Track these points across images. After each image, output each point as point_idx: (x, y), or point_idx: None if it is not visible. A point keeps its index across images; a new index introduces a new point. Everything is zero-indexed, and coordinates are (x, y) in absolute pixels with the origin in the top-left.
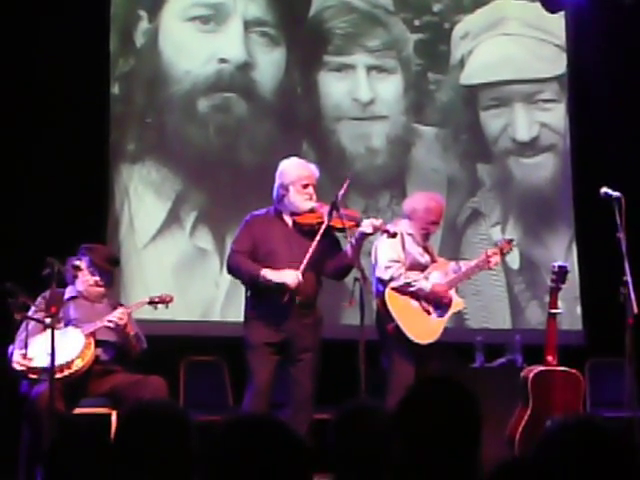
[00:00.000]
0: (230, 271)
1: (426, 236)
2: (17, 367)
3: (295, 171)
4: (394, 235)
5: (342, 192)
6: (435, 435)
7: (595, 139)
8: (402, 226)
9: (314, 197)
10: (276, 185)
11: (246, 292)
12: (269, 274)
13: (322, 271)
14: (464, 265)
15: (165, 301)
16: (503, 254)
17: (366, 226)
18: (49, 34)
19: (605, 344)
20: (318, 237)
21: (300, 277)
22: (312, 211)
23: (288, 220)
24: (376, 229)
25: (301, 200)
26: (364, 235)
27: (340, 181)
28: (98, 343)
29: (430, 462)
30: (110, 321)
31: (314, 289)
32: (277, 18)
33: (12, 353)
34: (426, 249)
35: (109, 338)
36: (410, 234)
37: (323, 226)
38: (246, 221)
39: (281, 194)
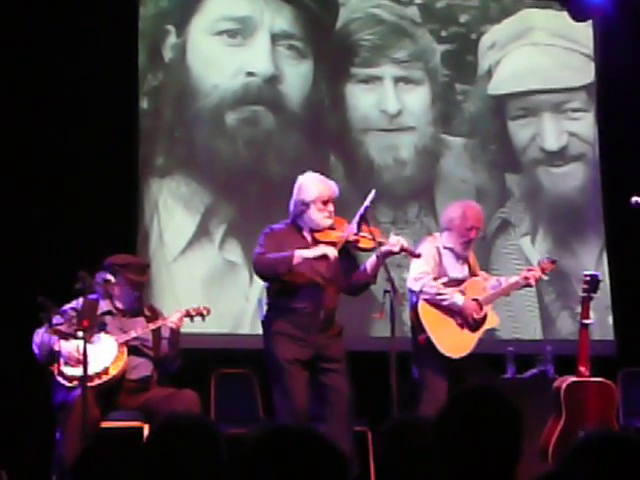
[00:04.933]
0: (261, 271)
1: (467, 244)
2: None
3: (316, 188)
4: (418, 256)
5: (368, 204)
6: (475, 446)
7: (624, 148)
8: (439, 240)
9: (333, 214)
10: (294, 200)
11: (263, 305)
12: (305, 252)
13: (340, 286)
14: (504, 281)
15: (202, 313)
16: (545, 273)
17: (393, 245)
18: (78, 50)
19: (637, 354)
20: (338, 247)
21: (336, 253)
22: (331, 228)
23: (307, 236)
24: (401, 249)
25: (321, 217)
26: (389, 253)
27: (368, 193)
28: (135, 353)
29: (469, 474)
30: (173, 322)
31: (335, 303)
32: (304, 31)
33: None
34: (466, 261)
35: (146, 350)
36: (449, 247)
37: (344, 237)
38: (266, 233)
39: (301, 210)
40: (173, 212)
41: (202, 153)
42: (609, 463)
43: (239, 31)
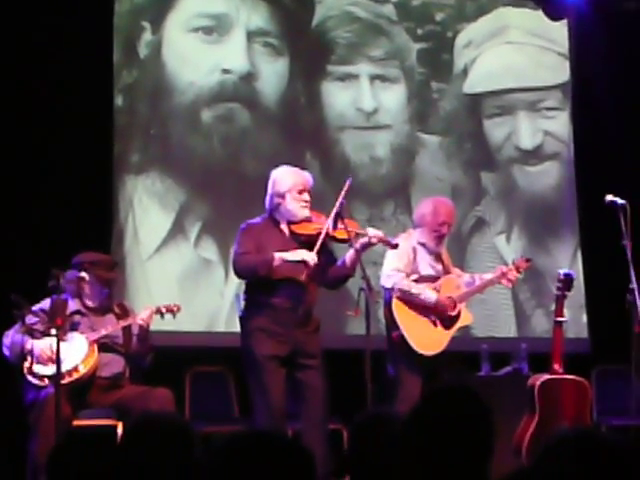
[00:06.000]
0: (240, 272)
1: (439, 239)
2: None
3: (290, 178)
4: (395, 246)
5: (343, 194)
6: (447, 444)
7: (599, 146)
8: (414, 237)
9: (309, 204)
10: (269, 193)
11: (241, 300)
12: (285, 255)
13: (319, 281)
14: (478, 279)
15: (172, 310)
16: (519, 272)
17: (370, 237)
18: (52, 46)
19: (611, 352)
20: (318, 245)
21: (316, 258)
22: (309, 220)
23: (285, 229)
24: (379, 240)
25: (298, 207)
26: (367, 245)
27: (343, 184)
28: (106, 350)
29: (441, 470)
30: (142, 319)
31: (314, 298)
32: (280, 28)
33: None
34: (439, 258)
35: (117, 347)
36: (422, 243)
37: (322, 235)
38: (243, 229)
39: (276, 202)
40: (148, 209)
41: (177, 150)
42: (582, 461)
43: (215, 28)
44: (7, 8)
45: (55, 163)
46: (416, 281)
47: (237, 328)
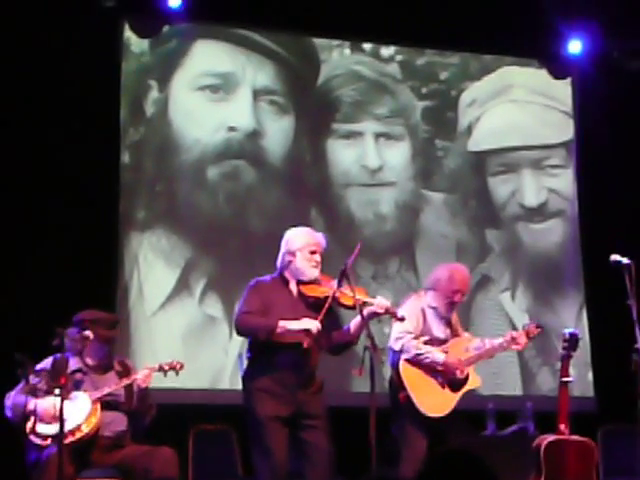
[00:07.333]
0: (241, 331)
1: (451, 306)
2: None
3: (303, 238)
4: (401, 319)
5: (352, 258)
6: None
7: (603, 204)
8: (425, 299)
9: (319, 266)
10: (282, 252)
11: (243, 360)
12: (288, 324)
13: (322, 345)
14: (488, 343)
15: (175, 368)
16: (530, 338)
17: (377, 307)
18: (60, 104)
19: (617, 411)
20: (324, 310)
21: (319, 326)
22: (318, 283)
23: (293, 288)
24: (386, 311)
25: (308, 266)
26: (374, 314)
27: (349, 247)
28: (108, 408)
29: None
30: (139, 379)
31: (317, 361)
32: (286, 87)
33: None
34: (449, 322)
35: (119, 405)
36: (433, 307)
37: (329, 300)
38: (252, 286)
39: (287, 260)
40: (153, 266)
41: (183, 207)
42: None
43: (221, 86)
44: (17, 65)
45: (61, 219)
46: (427, 342)
47: (241, 386)
